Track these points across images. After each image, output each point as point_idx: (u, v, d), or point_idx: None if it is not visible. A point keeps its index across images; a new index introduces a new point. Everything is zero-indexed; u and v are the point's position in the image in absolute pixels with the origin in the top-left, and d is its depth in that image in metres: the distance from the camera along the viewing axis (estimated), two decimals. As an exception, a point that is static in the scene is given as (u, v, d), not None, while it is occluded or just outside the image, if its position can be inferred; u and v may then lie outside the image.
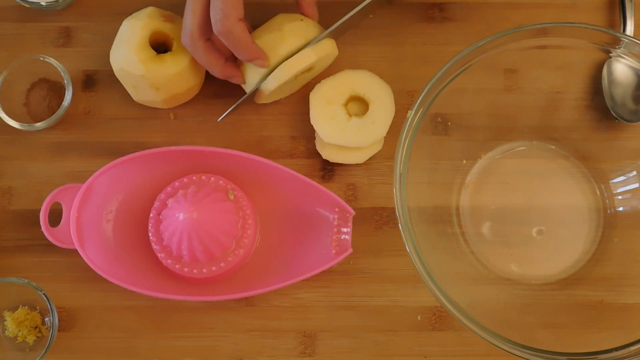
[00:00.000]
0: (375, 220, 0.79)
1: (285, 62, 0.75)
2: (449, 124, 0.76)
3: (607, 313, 0.75)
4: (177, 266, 0.74)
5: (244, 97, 0.77)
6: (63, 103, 0.79)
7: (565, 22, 0.70)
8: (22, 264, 0.78)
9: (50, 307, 0.75)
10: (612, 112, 0.78)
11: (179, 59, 0.76)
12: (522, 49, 0.72)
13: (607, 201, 0.78)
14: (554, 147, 0.79)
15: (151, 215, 0.75)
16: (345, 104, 0.79)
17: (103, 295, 0.77)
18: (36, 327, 0.77)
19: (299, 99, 0.80)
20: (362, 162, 0.78)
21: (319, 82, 0.79)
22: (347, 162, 0.78)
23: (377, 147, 0.79)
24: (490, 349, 0.68)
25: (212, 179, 0.76)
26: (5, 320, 0.76)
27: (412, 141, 0.70)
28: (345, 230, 0.76)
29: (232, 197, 0.75)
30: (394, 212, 0.69)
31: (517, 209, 0.79)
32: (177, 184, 0.75)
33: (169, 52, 0.76)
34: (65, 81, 0.79)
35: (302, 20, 0.76)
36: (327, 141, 0.77)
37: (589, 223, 0.78)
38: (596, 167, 0.79)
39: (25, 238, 0.79)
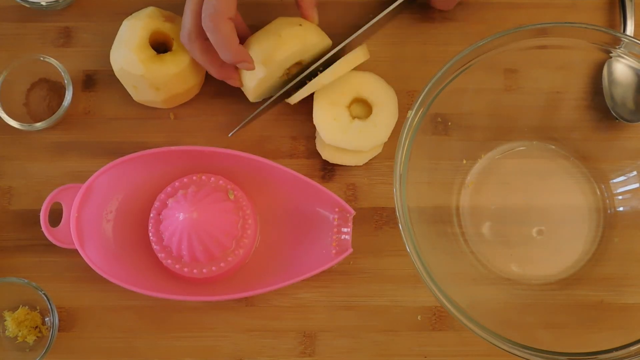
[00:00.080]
0: (375, 220, 0.79)
1: (317, 77, 0.75)
2: (449, 124, 0.76)
3: (607, 313, 0.75)
4: (177, 266, 0.74)
5: (257, 111, 0.77)
6: (63, 103, 0.79)
7: (565, 22, 0.70)
8: (22, 264, 0.78)
9: (50, 307, 0.75)
10: (612, 112, 0.78)
11: (179, 59, 0.76)
12: (522, 49, 0.72)
13: (607, 201, 0.78)
14: (554, 147, 0.79)
15: (151, 215, 0.75)
16: (349, 106, 0.78)
17: (103, 295, 0.77)
18: (36, 327, 0.77)
19: (299, 99, 0.81)
20: (361, 164, 0.78)
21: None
22: (346, 164, 0.78)
23: (377, 151, 0.79)
24: (490, 349, 0.68)
25: (212, 179, 0.76)
26: (5, 320, 0.76)
27: (412, 141, 0.70)
28: (345, 230, 0.76)
29: (232, 197, 0.75)
30: (394, 212, 0.69)
31: (517, 209, 0.79)
32: (177, 184, 0.75)
33: (169, 52, 0.76)
34: (65, 81, 0.79)
35: (300, 25, 0.76)
36: (328, 142, 0.77)
37: (589, 223, 0.78)
38: (596, 167, 0.79)
39: (25, 238, 0.79)
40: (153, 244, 0.75)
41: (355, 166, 0.79)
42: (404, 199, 0.69)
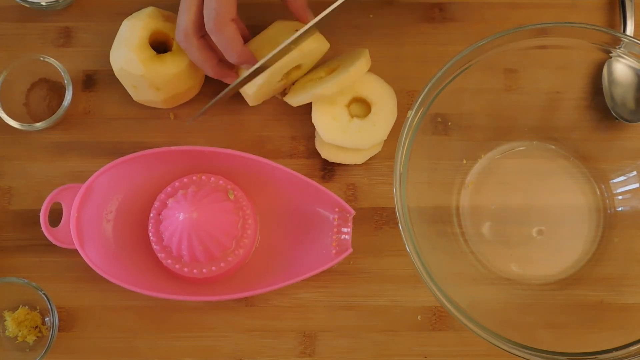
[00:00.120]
0: (375, 220, 0.79)
1: (320, 89, 0.75)
2: (449, 124, 0.76)
3: (607, 313, 0.75)
4: (177, 266, 0.74)
5: (215, 98, 0.76)
6: (63, 103, 0.79)
7: (565, 22, 0.70)
8: (22, 264, 0.78)
9: (50, 307, 0.75)
10: (612, 112, 0.78)
11: (179, 58, 0.76)
12: (522, 49, 0.72)
13: (607, 201, 0.78)
14: (554, 147, 0.79)
15: (151, 215, 0.75)
16: (348, 105, 0.78)
17: (103, 295, 0.77)
18: (36, 327, 0.77)
19: (299, 99, 0.80)
20: (360, 162, 0.78)
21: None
22: (346, 163, 0.78)
23: (377, 149, 0.79)
24: (490, 349, 0.68)
25: (212, 179, 0.76)
26: (5, 320, 0.76)
27: (412, 141, 0.70)
28: (345, 230, 0.76)
29: (232, 197, 0.75)
30: (394, 212, 0.69)
31: (517, 209, 0.79)
32: (177, 184, 0.76)
33: (168, 52, 0.76)
34: (65, 81, 0.79)
35: (297, 30, 0.75)
36: (327, 141, 0.77)
37: (589, 223, 0.78)
38: (596, 167, 0.79)
39: (25, 238, 0.79)
40: (153, 244, 0.75)
41: (355, 166, 0.79)
42: (404, 199, 0.69)
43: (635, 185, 0.77)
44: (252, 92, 0.76)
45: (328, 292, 0.78)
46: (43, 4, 0.81)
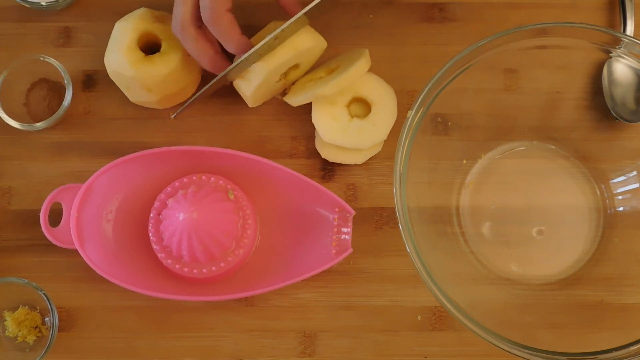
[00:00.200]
0: (375, 220, 0.79)
1: (320, 89, 0.75)
2: (449, 124, 0.76)
3: (607, 313, 0.75)
4: (177, 266, 0.74)
5: (203, 89, 0.76)
6: (63, 103, 0.79)
7: (565, 22, 0.70)
8: (22, 264, 0.78)
9: (50, 307, 0.75)
10: (612, 112, 0.78)
11: (168, 59, 0.75)
12: (522, 49, 0.72)
13: (607, 201, 0.78)
14: (554, 147, 0.79)
15: (151, 215, 0.75)
16: (348, 105, 0.78)
17: (103, 295, 0.77)
18: (36, 327, 0.77)
19: (299, 99, 0.80)
20: (360, 162, 0.78)
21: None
22: (346, 162, 0.78)
23: (377, 149, 0.79)
24: (490, 349, 0.68)
25: (212, 179, 0.76)
26: (5, 320, 0.76)
27: (412, 141, 0.70)
28: (345, 230, 0.76)
29: (232, 197, 0.75)
30: (394, 212, 0.69)
31: (517, 209, 0.79)
32: (177, 184, 0.75)
33: (157, 53, 0.76)
34: (65, 81, 0.79)
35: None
36: (327, 141, 0.77)
37: (589, 223, 0.78)
38: (596, 167, 0.79)
39: (25, 238, 0.79)
40: (153, 244, 0.75)
41: (355, 166, 0.79)
42: (404, 199, 0.69)
43: (635, 185, 0.77)
44: (249, 93, 0.76)
45: (328, 292, 0.77)
46: (43, 4, 0.81)
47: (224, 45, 0.73)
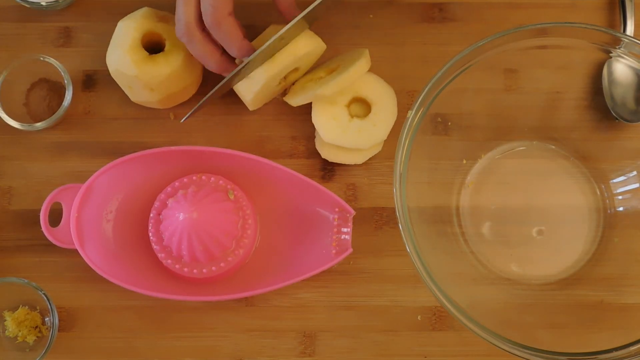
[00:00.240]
0: (375, 220, 0.79)
1: (320, 89, 0.75)
2: (449, 124, 0.76)
3: (607, 313, 0.75)
4: (177, 266, 0.74)
5: (208, 95, 0.76)
6: (63, 103, 0.79)
7: (565, 22, 0.70)
8: (22, 264, 0.78)
9: (50, 307, 0.75)
10: (612, 112, 0.78)
11: (171, 58, 0.75)
12: (522, 49, 0.72)
13: (607, 201, 0.78)
14: (554, 147, 0.79)
15: (151, 215, 0.75)
16: (348, 105, 0.78)
17: (103, 295, 0.77)
18: (36, 327, 0.77)
19: (299, 99, 0.80)
20: (360, 162, 0.78)
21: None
22: (346, 162, 0.78)
23: (377, 149, 0.79)
24: (490, 349, 0.68)
25: (212, 179, 0.76)
26: (5, 320, 0.76)
27: (412, 141, 0.70)
28: (345, 230, 0.76)
29: (232, 197, 0.75)
30: (394, 212, 0.69)
31: (517, 209, 0.79)
32: (177, 184, 0.75)
33: (161, 53, 0.76)
34: (65, 81, 0.79)
35: None
36: (327, 141, 0.77)
37: (589, 223, 0.78)
38: (596, 167, 0.79)
39: (25, 238, 0.79)
40: (153, 244, 0.75)
41: (355, 166, 0.79)
42: (404, 199, 0.69)
43: (635, 185, 0.77)
44: (249, 98, 0.76)
45: (328, 292, 0.77)
46: (43, 4, 0.81)
47: (226, 49, 0.73)
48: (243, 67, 0.73)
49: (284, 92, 0.80)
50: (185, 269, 0.74)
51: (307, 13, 0.72)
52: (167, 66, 0.75)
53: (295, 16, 0.74)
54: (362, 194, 0.79)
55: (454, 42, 0.81)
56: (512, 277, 0.77)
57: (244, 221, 0.75)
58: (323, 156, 0.78)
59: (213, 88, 0.76)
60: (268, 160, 0.76)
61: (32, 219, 0.78)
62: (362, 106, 0.79)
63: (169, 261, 0.74)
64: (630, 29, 0.80)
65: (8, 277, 0.75)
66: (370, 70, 0.78)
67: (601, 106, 0.78)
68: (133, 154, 0.76)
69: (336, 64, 0.78)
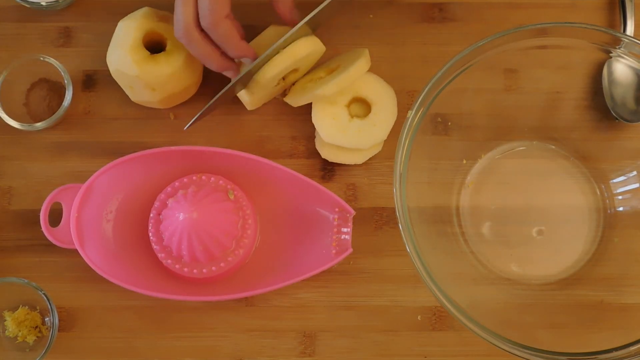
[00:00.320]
0: (375, 220, 0.79)
1: (320, 89, 0.75)
2: (449, 124, 0.76)
3: (607, 313, 0.75)
4: (177, 266, 0.74)
5: (210, 102, 0.76)
6: (63, 103, 0.79)
7: (565, 22, 0.70)
8: (22, 264, 0.78)
9: (50, 307, 0.75)
10: (612, 112, 0.78)
11: (173, 58, 0.75)
12: (522, 49, 0.72)
13: (607, 201, 0.78)
14: (554, 147, 0.79)
15: (151, 215, 0.75)
16: (348, 105, 0.78)
17: (103, 295, 0.77)
18: (36, 327, 0.77)
19: (299, 99, 0.80)
20: (360, 162, 0.78)
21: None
22: (346, 162, 0.78)
23: (377, 149, 0.79)
24: (490, 349, 0.68)
25: (212, 179, 0.76)
26: (5, 320, 0.76)
27: (412, 141, 0.70)
28: (345, 230, 0.76)
29: (232, 197, 0.75)
30: (394, 212, 0.69)
31: (517, 209, 0.79)
32: (177, 184, 0.75)
33: (162, 52, 0.76)
34: (65, 81, 0.79)
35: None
36: (327, 141, 0.77)
37: (589, 223, 0.78)
38: (596, 167, 0.79)
39: (25, 238, 0.79)
40: (153, 244, 0.75)
41: (355, 166, 0.79)
42: (404, 199, 0.69)
43: (635, 185, 0.77)
44: (248, 99, 0.76)
45: (328, 292, 0.78)
46: (43, 4, 0.81)
47: (224, 50, 0.73)
48: (244, 75, 0.74)
49: (284, 93, 0.80)
50: (185, 269, 0.74)
51: (310, 19, 0.72)
52: (168, 66, 0.75)
53: (294, 19, 0.74)
54: (362, 194, 0.79)
55: (454, 42, 0.81)
56: (512, 277, 0.77)
57: (244, 221, 0.75)
58: (323, 156, 0.78)
59: (214, 88, 0.76)
60: (268, 160, 0.76)
61: (32, 219, 0.78)
62: (362, 106, 0.79)
63: (169, 261, 0.74)
64: (630, 29, 0.80)
65: (8, 277, 0.75)
66: (370, 70, 0.78)
67: (601, 106, 0.78)
68: (133, 154, 0.76)
69: (336, 64, 0.78)
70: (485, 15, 0.82)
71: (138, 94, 0.77)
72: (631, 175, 0.78)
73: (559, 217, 0.78)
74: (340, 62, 0.78)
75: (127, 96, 0.79)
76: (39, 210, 0.75)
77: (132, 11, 0.77)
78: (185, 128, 0.77)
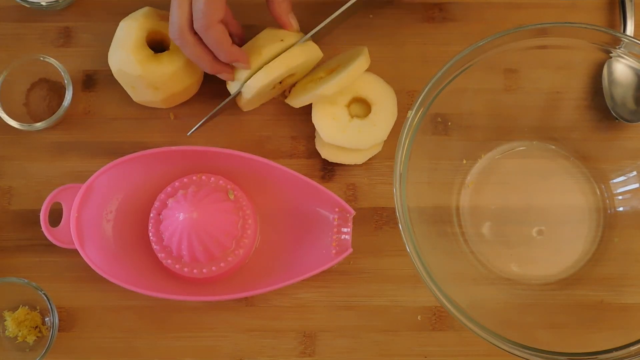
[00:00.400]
0: (375, 220, 0.79)
1: (321, 89, 0.75)
2: (449, 124, 0.76)
3: (607, 313, 0.75)
4: (177, 266, 0.74)
5: (214, 110, 0.77)
6: (63, 103, 0.79)
7: (565, 22, 0.70)
8: (22, 264, 0.78)
9: (50, 307, 0.75)
10: (612, 112, 0.78)
11: (176, 57, 0.76)
12: (522, 49, 0.72)
13: (607, 201, 0.78)
14: (554, 147, 0.79)
15: (151, 215, 0.75)
16: (348, 105, 0.78)
17: (103, 295, 0.77)
18: (36, 327, 0.77)
19: (299, 99, 0.80)
20: (360, 162, 0.78)
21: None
22: (346, 163, 0.78)
23: (377, 149, 0.79)
24: (490, 349, 0.68)
25: (212, 179, 0.76)
26: (5, 320, 0.76)
27: (412, 141, 0.70)
28: (345, 230, 0.76)
29: (232, 197, 0.75)
30: (394, 212, 0.69)
31: (517, 209, 0.79)
32: (177, 184, 0.76)
33: (165, 52, 0.76)
34: (65, 81, 0.79)
35: (282, 40, 0.75)
36: (327, 141, 0.77)
37: (589, 223, 0.78)
38: (596, 167, 0.79)
39: (25, 238, 0.79)
40: (153, 244, 0.75)
41: (355, 166, 0.79)
42: (404, 199, 0.69)
43: (635, 185, 0.77)
44: (242, 103, 0.76)
45: (328, 292, 0.78)
46: (43, 4, 0.81)
47: (215, 54, 0.73)
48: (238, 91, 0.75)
49: (284, 94, 0.80)
50: (185, 269, 0.74)
51: (312, 34, 0.75)
52: (171, 65, 0.75)
53: (290, 23, 0.75)
54: (362, 194, 0.79)
55: (454, 42, 0.81)
56: (512, 277, 0.77)
57: (244, 221, 0.75)
58: (323, 156, 0.78)
59: (215, 88, 0.76)
60: (268, 160, 0.76)
61: (32, 219, 0.78)
62: (362, 106, 0.79)
63: (169, 261, 0.74)
64: (630, 29, 0.80)
65: (8, 277, 0.75)
66: (370, 70, 0.78)
67: (601, 106, 0.78)
68: (133, 154, 0.76)
69: (336, 64, 0.78)
70: (485, 15, 0.82)
71: (140, 94, 0.77)
72: (631, 175, 0.78)
73: (559, 217, 0.78)
74: (339, 62, 0.78)
75: (127, 96, 0.79)
76: (39, 210, 0.75)
77: (132, 11, 0.77)
78: (188, 134, 0.78)
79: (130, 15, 0.77)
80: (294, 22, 0.76)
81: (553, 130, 0.79)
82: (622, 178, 0.78)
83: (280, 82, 0.77)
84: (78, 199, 0.75)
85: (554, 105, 0.79)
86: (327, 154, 0.78)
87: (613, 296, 0.75)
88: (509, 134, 0.79)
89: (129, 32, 0.75)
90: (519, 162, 0.80)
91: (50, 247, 0.76)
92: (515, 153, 0.80)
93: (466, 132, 0.78)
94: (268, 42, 0.75)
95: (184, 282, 0.75)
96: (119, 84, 0.78)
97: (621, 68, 0.77)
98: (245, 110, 0.78)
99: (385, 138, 0.78)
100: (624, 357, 0.66)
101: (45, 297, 0.75)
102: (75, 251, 0.75)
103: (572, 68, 0.77)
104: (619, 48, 0.71)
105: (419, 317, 0.77)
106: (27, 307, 0.77)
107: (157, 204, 0.76)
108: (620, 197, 0.78)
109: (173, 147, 0.76)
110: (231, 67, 0.75)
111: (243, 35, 0.78)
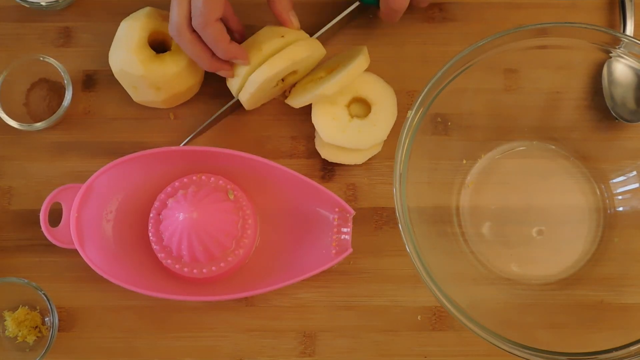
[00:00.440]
0: (375, 220, 0.79)
1: (321, 89, 0.75)
2: (449, 124, 0.76)
3: (607, 313, 0.75)
4: (177, 266, 0.74)
5: (212, 118, 0.78)
6: (63, 103, 0.79)
7: (565, 22, 0.70)
8: (22, 264, 0.78)
9: (50, 307, 0.75)
10: (612, 112, 0.78)
11: (178, 58, 0.76)
12: (522, 49, 0.72)
13: (607, 201, 0.78)
14: (554, 147, 0.79)
15: (151, 215, 0.75)
16: (348, 105, 0.78)
17: (103, 295, 0.77)
18: (36, 327, 0.77)
19: (299, 99, 0.80)
20: (360, 162, 0.78)
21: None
22: (346, 163, 0.78)
23: (376, 150, 0.79)
24: (490, 349, 0.68)
25: (212, 179, 0.76)
26: (5, 320, 0.76)
27: (412, 141, 0.70)
28: (345, 230, 0.76)
29: (232, 197, 0.75)
30: (394, 212, 0.69)
31: (517, 209, 0.79)
32: (177, 184, 0.75)
33: (168, 52, 0.76)
34: (65, 81, 0.79)
35: (282, 36, 0.75)
36: (326, 141, 0.77)
37: (589, 223, 0.78)
38: (596, 167, 0.79)
39: (25, 238, 0.79)
40: (153, 244, 0.75)
41: (355, 166, 0.79)
42: (404, 199, 0.69)
43: (635, 185, 0.77)
44: (245, 99, 0.76)
45: (328, 292, 0.77)
46: (43, 4, 0.81)
47: (213, 52, 0.74)
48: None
49: (285, 95, 0.80)
50: (185, 269, 0.74)
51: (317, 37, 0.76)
52: (174, 65, 0.75)
53: (291, 20, 0.75)
54: (362, 194, 0.79)
55: (454, 42, 0.81)
56: (512, 277, 0.77)
57: (244, 221, 0.75)
58: (323, 156, 0.78)
59: (216, 89, 0.77)
60: (268, 160, 0.76)
61: (32, 219, 0.78)
62: (362, 106, 0.79)
63: (169, 261, 0.74)
64: (630, 29, 0.80)
65: (8, 277, 0.75)
66: (370, 70, 0.78)
67: (601, 106, 0.78)
68: (133, 154, 0.76)
69: (336, 64, 0.78)
70: (485, 15, 0.82)
71: (142, 94, 0.77)
72: (631, 175, 0.78)
73: (559, 217, 0.78)
74: (339, 61, 0.78)
75: (128, 96, 0.79)
76: (39, 210, 0.75)
77: (132, 11, 0.77)
78: (188, 139, 0.78)
79: (131, 15, 0.77)
80: (294, 20, 0.76)
81: (553, 130, 0.79)
82: (622, 178, 0.78)
83: (283, 80, 0.77)
84: (78, 199, 0.75)
85: (554, 105, 0.79)
86: (327, 154, 0.78)
87: (613, 296, 0.75)
88: (509, 134, 0.79)
89: (131, 32, 0.75)
90: (519, 162, 0.80)
91: (50, 247, 0.76)
92: (515, 153, 0.80)
93: (466, 132, 0.78)
94: (268, 38, 0.75)
95: (184, 282, 0.75)
96: (119, 84, 0.78)
97: (621, 68, 0.77)
98: (248, 109, 0.78)
99: (385, 138, 0.78)
100: (624, 357, 0.66)
101: (45, 297, 0.75)
102: (75, 251, 0.75)
103: (572, 68, 0.77)
104: (618, 48, 0.71)
105: (419, 317, 0.77)
106: (27, 307, 0.77)
107: (157, 204, 0.76)
108: (620, 197, 0.78)
109: (173, 147, 0.76)
110: (230, 64, 0.75)
111: (243, 32, 0.78)
